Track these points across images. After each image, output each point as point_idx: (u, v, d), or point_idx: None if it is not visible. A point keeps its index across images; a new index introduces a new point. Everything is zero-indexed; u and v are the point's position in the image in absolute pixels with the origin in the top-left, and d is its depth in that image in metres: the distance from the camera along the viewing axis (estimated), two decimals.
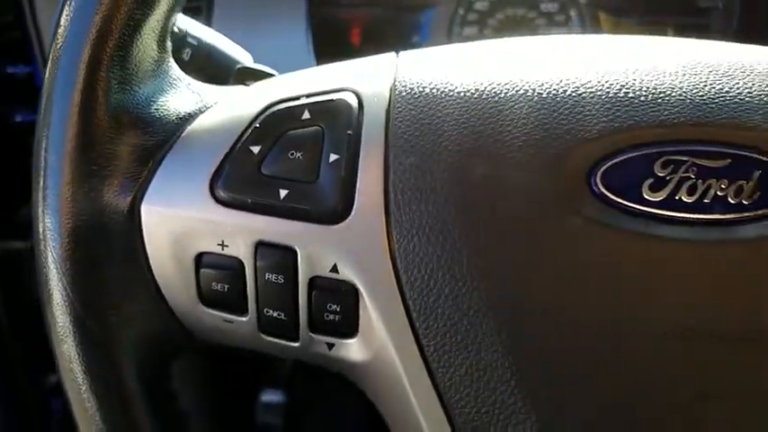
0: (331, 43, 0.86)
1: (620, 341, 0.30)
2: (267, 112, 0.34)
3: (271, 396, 0.90)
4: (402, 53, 0.36)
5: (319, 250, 0.32)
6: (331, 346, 0.34)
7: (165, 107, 0.35)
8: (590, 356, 0.30)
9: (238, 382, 0.89)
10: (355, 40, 0.91)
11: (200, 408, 0.88)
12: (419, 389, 0.32)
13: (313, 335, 0.34)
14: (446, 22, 0.90)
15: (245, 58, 0.49)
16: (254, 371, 0.91)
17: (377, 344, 0.32)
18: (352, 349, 0.33)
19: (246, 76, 0.44)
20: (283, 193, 0.32)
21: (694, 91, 0.32)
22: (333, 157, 0.32)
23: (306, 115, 0.33)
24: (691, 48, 0.37)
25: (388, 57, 0.36)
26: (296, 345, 0.34)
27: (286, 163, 0.33)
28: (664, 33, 0.88)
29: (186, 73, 0.38)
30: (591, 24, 0.88)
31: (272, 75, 0.44)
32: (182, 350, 0.37)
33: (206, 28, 0.47)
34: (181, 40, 0.45)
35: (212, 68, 0.46)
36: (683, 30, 0.88)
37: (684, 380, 0.30)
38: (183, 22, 0.46)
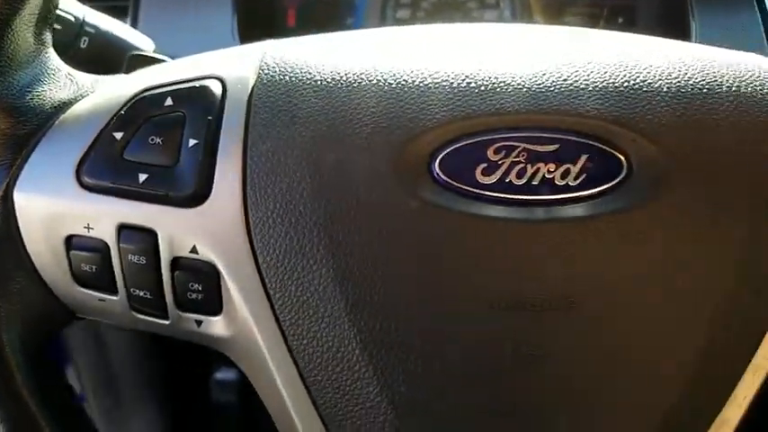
0: (263, 26, 0.87)
1: (457, 312, 0.33)
2: (134, 100, 0.35)
3: (224, 374, 0.92)
4: (273, 41, 0.38)
5: (179, 232, 0.34)
6: (199, 323, 0.36)
7: (39, 96, 0.36)
8: (431, 328, 0.33)
9: (190, 361, 0.91)
10: (290, 23, 0.92)
11: (145, 388, 0.90)
12: (279, 362, 0.34)
13: (181, 313, 0.36)
14: (379, 4, 0.91)
15: (145, 45, 0.50)
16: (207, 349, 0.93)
17: (240, 320, 0.35)
18: (219, 326, 0.36)
19: (138, 63, 0.45)
20: (143, 177, 0.34)
21: (532, 79, 0.34)
22: (192, 142, 0.34)
23: (168, 102, 0.35)
24: (544, 36, 0.39)
25: (260, 45, 0.38)
26: (167, 322, 0.36)
27: (147, 148, 0.34)
28: (597, 15, 0.90)
29: (82, 61, 0.40)
30: (522, 6, 0.90)
31: (163, 61, 0.46)
32: (65, 325, 0.40)
33: (104, 16, 0.49)
34: (77, 29, 0.46)
35: (110, 56, 0.48)
36: (615, 10, 0.90)
37: (511, 345, 0.33)
38: (80, 10, 0.47)
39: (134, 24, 0.76)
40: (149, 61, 0.45)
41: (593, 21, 0.90)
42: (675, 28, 0.78)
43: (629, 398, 0.33)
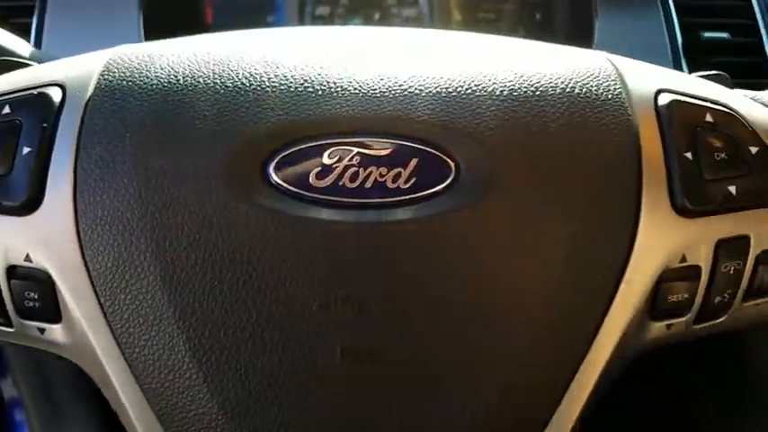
0: (178, 24, 0.86)
1: (287, 315, 0.33)
2: None
3: None
4: (126, 45, 0.38)
5: (12, 241, 0.34)
6: (42, 330, 0.36)
7: None
8: (260, 333, 0.33)
9: None
10: (209, 20, 0.91)
11: (82, 393, 0.89)
12: (116, 370, 0.34)
13: (22, 320, 0.35)
14: (298, 1, 0.91)
15: (21, 49, 0.50)
16: None
17: (78, 328, 0.34)
18: (60, 333, 0.35)
19: (1, 69, 0.45)
20: None
21: (368, 84, 0.34)
22: (26, 149, 0.34)
23: (6, 110, 0.35)
24: (397, 40, 0.39)
25: (111, 50, 0.38)
26: (12, 330, 0.36)
27: None
28: (515, 12, 0.91)
29: None
30: (440, 2, 0.90)
31: (28, 65, 0.45)
32: None
33: None
34: None
35: None
36: (533, 8, 0.90)
37: (341, 347, 0.33)
38: None
39: (40, 23, 0.75)
40: (13, 67, 0.45)
41: (511, 18, 0.90)
42: (584, 27, 0.79)
43: (461, 395, 0.34)
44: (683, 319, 0.37)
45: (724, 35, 0.73)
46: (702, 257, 0.36)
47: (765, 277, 0.37)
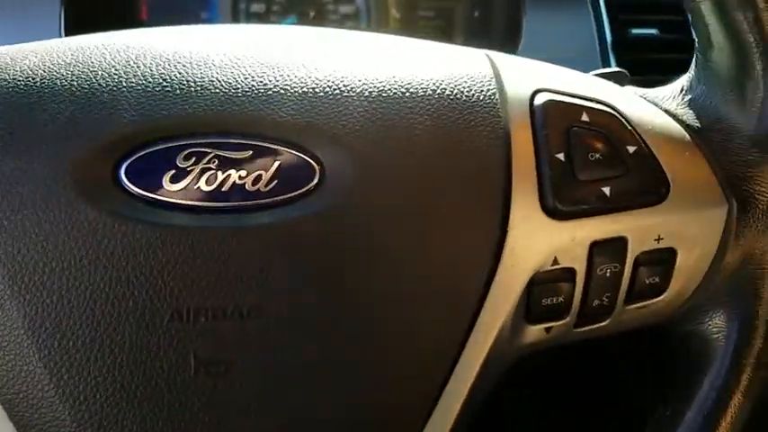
0: (113, 20, 0.84)
1: (139, 324, 0.31)
2: None
3: None
4: (5, 47, 0.37)
5: None
6: None
7: None
8: (111, 341, 0.31)
9: None
10: (143, 16, 0.89)
11: None
12: None
13: None
14: None
15: None
16: None
17: None
18: None
19: None
20: None
21: (230, 83, 0.33)
22: None
23: None
24: (277, 39, 0.38)
25: None
26: None
27: None
28: (452, 8, 0.90)
29: None
30: (376, 3, 0.89)
31: None
32: None
33: None
34: None
35: None
36: (471, 4, 0.89)
37: (195, 355, 0.32)
38: None
39: None
40: None
41: (449, 16, 0.90)
42: (513, 25, 0.78)
43: (320, 406, 0.33)
44: (563, 322, 0.36)
45: (653, 31, 0.73)
46: (577, 260, 0.35)
47: (647, 280, 0.36)
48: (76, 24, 0.75)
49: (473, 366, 0.34)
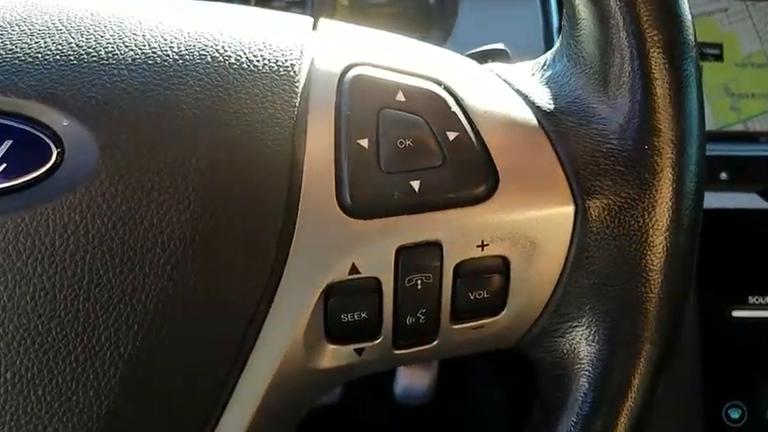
0: None
1: None
2: None
3: None
4: None
5: None
6: None
7: None
8: None
9: None
10: None
11: None
12: None
13: None
14: None
15: None
16: None
17: None
18: None
19: None
20: None
21: None
22: None
23: None
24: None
25: None
26: None
27: None
28: None
29: None
30: None
31: None
32: None
33: None
34: None
35: None
36: None
37: None
38: None
39: None
40: None
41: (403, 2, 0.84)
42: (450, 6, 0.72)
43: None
44: (376, 342, 0.30)
45: None
46: (381, 268, 0.29)
47: (471, 294, 0.30)
48: None
49: (253, 395, 0.28)
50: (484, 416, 0.77)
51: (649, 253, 0.30)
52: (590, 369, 0.31)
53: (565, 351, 0.32)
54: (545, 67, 0.33)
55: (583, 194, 0.30)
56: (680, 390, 0.64)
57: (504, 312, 0.31)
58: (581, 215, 0.30)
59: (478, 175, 0.29)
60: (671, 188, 0.30)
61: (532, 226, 0.30)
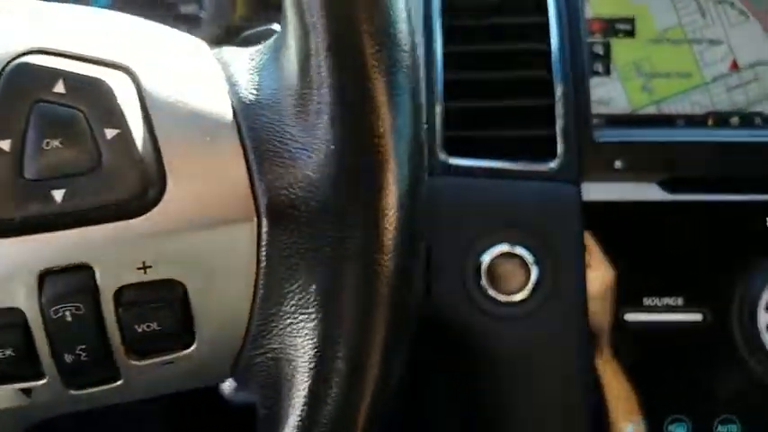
0: None
1: None
2: None
3: None
4: None
5: None
6: None
7: None
8: None
9: None
10: None
11: None
12: None
13: None
14: None
15: None
16: None
17: None
18: None
19: None
20: None
21: None
22: None
23: None
24: None
25: None
26: None
27: None
28: None
29: None
30: None
31: None
32: None
33: None
34: None
35: None
36: None
37: None
38: None
39: None
40: None
41: None
42: None
43: None
44: (41, 382, 0.26)
45: None
46: (23, 297, 0.25)
47: (139, 327, 0.25)
48: None
49: None
50: None
51: (345, 276, 0.26)
52: (299, 404, 0.27)
53: (273, 385, 0.28)
54: (264, 52, 0.29)
55: (266, 206, 0.26)
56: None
57: (195, 346, 0.27)
58: (268, 233, 0.26)
59: (139, 183, 0.25)
60: (371, 208, 0.25)
61: (206, 244, 0.26)
